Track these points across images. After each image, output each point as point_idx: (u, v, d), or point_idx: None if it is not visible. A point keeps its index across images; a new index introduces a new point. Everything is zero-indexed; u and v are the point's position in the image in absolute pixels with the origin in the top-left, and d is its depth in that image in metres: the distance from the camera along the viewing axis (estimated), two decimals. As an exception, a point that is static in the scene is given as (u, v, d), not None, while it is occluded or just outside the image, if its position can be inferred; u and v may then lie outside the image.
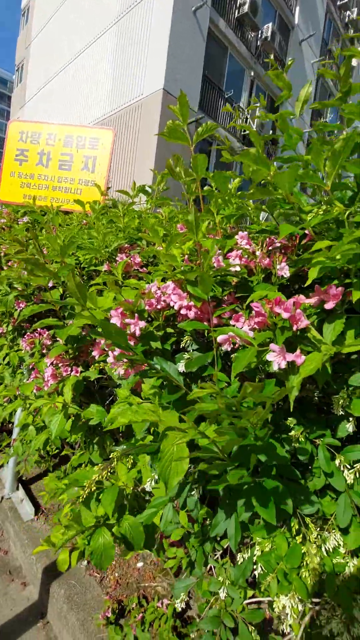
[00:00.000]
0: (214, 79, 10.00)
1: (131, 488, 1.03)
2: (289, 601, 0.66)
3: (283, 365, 0.63)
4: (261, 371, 0.83)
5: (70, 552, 1.05)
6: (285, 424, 0.78)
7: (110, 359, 0.77)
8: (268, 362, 0.67)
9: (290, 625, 0.73)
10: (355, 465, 0.67)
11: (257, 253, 0.89)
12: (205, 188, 1.33)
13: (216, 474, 0.72)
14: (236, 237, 1.03)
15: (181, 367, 0.77)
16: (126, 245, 1.40)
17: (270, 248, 0.92)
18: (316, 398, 0.81)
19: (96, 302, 0.86)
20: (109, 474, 1.05)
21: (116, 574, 1.86)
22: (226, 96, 10.42)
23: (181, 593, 0.92)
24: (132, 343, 0.80)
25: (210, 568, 1.04)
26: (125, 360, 0.72)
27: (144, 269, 1.24)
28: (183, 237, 1.12)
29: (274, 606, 0.69)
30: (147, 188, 2.05)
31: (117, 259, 1.17)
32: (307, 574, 0.64)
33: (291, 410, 0.71)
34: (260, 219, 1.53)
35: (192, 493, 0.81)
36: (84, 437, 1.14)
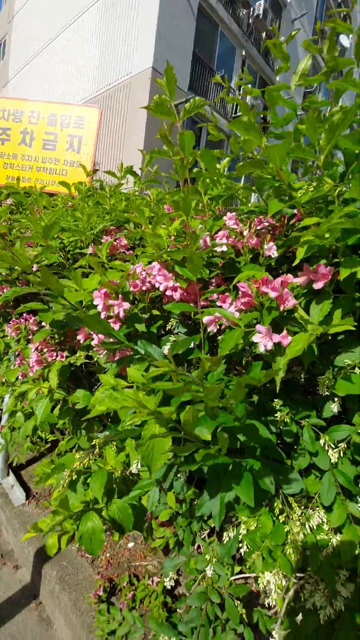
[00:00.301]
0: (205, 58, 9.69)
1: (120, 472, 1.03)
2: (273, 577, 0.67)
3: (269, 346, 0.62)
4: (248, 353, 0.82)
5: (59, 537, 1.05)
6: (272, 406, 0.78)
7: (95, 343, 0.75)
8: (255, 344, 0.66)
9: (274, 599, 0.75)
10: (339, 445, 0.67)
11: (245, 233, 0.87)
12: (195, 170, 1.30)
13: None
14: (224, 218, 1.01)
15: (167, 350, 0.76)
16: (112, 227, 1.36)
17: (258, 228, 0.90)
18: (302, 380, 0.81)
19: (81, 284, 0.84)
20: (97, 458, 1.05)
21: (107, 555, 1.89)
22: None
23: (170, 571, 0.94)
24: (117, 326, 0.79)
25: (198, 546, 1.06)
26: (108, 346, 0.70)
27: (131, 251, 1.21)
28: (170, 217, 1.09)
29: (259, 582, 0.70)
30: (135, 169, 1.99)
31: (102, 241, 1.14)
32: (291, 551, 0.65)
33: (277, 391, 0.71)
34: (250, 201, 1.50)
35: (179, 476, 0.81)
36: (71, 422, 1.13)
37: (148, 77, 8.22)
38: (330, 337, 0.78)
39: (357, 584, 0.66)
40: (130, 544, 1.90)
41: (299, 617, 0.77)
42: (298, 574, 0.78)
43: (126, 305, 0.72)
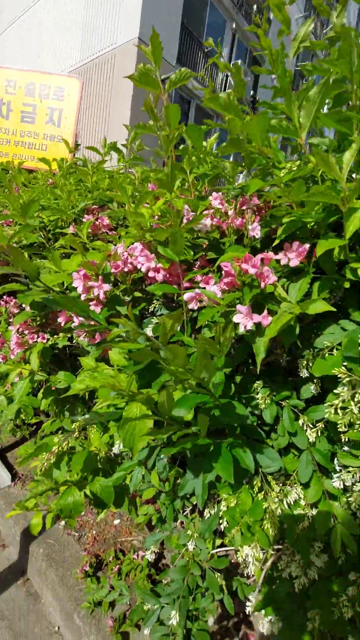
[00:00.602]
0: (194, 30, 9.26)
1: (104, 452, 1.04)
2: (251, 551, 0.69)
3: (249, 326, 0.62)
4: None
5: (44, 516, 1.07)
6: (253, 388, 0.79)
7: (75, 326, 0.73)
8: (236, 325, 0.65)
9: (253, 570, 0.79)
10: (317, 425, 0.69)
11: (230, 213, 0.85)
12: (181, 147, 1.25)
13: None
14: (210, 197, 0.99)
15: (149, 332, 0.75)
16: (95, 206, 1.31)
17: (243, 208, 0.88)
18: (284, 362, 0.82)
19: (60, 265, 0.81)
20: (83, 439, 1.05)
21: (94, 532, 1.93)
22: (206, 50, 9.73)
23: (151, 546, 0.96)
24: (98, 308, 0.77)
25: (182, 522, 1.09)
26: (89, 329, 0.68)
27: (114, 232, 1.17)
28: (154, 196, 1.06)
29: (237, 555, 0.73)
30: (119, 146, 1.92)
31: (84, 220, 1.10)
32: (269, 525, 0.67)
33: (258, 372, 0.72)
34: (237, 181, 1.47)
35: (161, 457, 0.82)
36: (54, 404, 1.12)
37: (134, 49, 7.83)
38: (311, 320, 0.79)
39: (330, 555, 0.69)
40: (116, 521, 1.95)
41: (276, 586, 0.81)
42: (276, 546, 0.82)
43: (106, 287, 0.70)
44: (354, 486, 0.58)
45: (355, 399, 0.53)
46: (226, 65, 0.94)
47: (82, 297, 0.72)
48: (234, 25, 10.37)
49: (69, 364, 1.20)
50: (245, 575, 1.08)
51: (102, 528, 1.95)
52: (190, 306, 0.70)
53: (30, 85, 2.59)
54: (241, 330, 0.62)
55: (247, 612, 0.81)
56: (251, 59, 11.23)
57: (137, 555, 1.71)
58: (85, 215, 1.15)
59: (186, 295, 0.67)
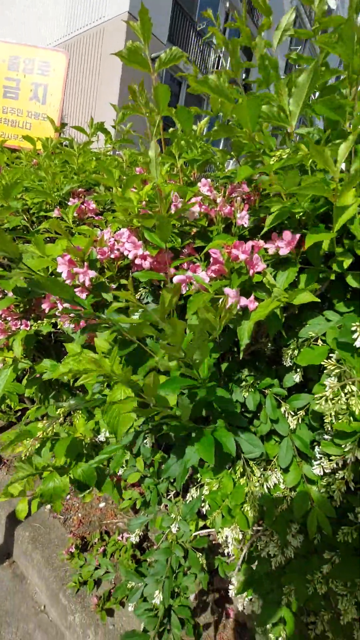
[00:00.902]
0: (186, 7, 8.91)
1: (89, 438, 1.04)
2: (231, 532, 0.72)
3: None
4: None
5: (29, 500, 1.07)
6: (238, 375, 0.80)
7: (59, 312, 0.72)
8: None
9: (232, 550, 0.82)
10: (298, 412, 0.71)
11: (218, 201, 0.85)
12: (170, 130, 1.22)
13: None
14: (198, 184, 0.97)
15: (135, 319, 0.74)
16: (81, 189, 1.28)
17: (232, 196, 0.87)
18: (268, 351, 0.84)
19: (44, 250, 0.79)
20: (68, 425, 1.05)
21: (79, 515, 1.96)
22: (198, 28, 9.41)
23: (136, 529, 0.99)
24: (83, 295, 0.76)
25: (165, 506, 1.11)
26: (73, 314, 0.67)
27: (100, 216, 1.15)
28: (142, 180, 1.03)
29: (218, 536, 0.75)
30: (107, 127, 1.85)
31: (69, 204, 1.07)
32: (249, 508, 0.70)
33: (242, 359, 0.72)
34: (227, 167, 1.45)
35: (146, 442, 0.83)
36: (38, 391, 1.11)
37: (123, 23, 7.49)
38: (297, 310, 0.80)
39: (306, 535, 0.72)
40: (102, 504, 1.98)
41: (255, 564, 0.85)
42: (255, 527, 0.85)
43: (92, 273, 0.69)
44: (336, 474, 0.60)
45: (345, 390, 0.54)
46: (224, 41, 0.91)
47: (67, 283, 0.71)
48: (227, 5, 10.04)
49: (54, 351, 1.19)
50: (226, 554, 1.12)
51: (87, 511, 1.98)
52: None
53: (14, 58, 2.46)
54: (227, 315, 0.62)
55: (229, 592, 0.84)
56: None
57: (122, 537, 1.75)
58: (71, 199, 1.12)
59: (176, 278, 0.67)
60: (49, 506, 1.98)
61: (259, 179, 1.00)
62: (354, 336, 0.55)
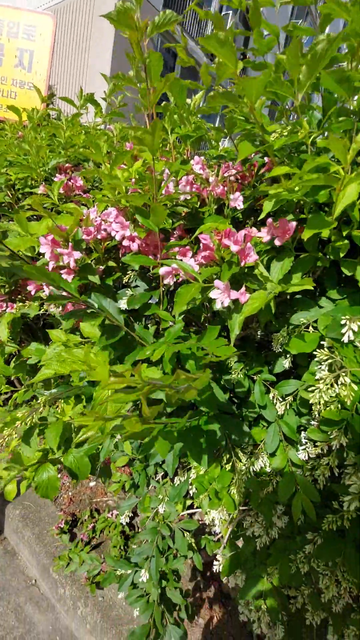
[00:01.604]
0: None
1: (77, 423, 1.04)
2: (218, 514, 0.73)
3: (226, 303, 0.60)
4: (207, 309, 0.81)
5: (18, 483, 1.07)
6: (227, 362, 0.79)
7: (45, 295, 0.69)
8: (213, 300, 0.64)
9: (219, 530, 0.83)
10: (286, 398, 0.71)
11: (211, 180, 0.81)
12: (163, 103, 1.16)
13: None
14: (191, 162, 0.93)
15: (123, 304, 0.72)
16: (68, 165, 1.22)
17: (225, 175, 0.84)
18: (258, 337, 0.83)
19: (27, 228, 0.75)
20: (55, 409, 1.04)
21: (70, 493, 1.99)
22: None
23: (125, 510, 1.00)
24: (69, 277, 0.73)
25: (154, 487, 1.13)
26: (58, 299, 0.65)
27: (88, 194, 1.10)
28: (132, 156, 0.98)
29: (205, 518, 0.77)
30: (97, 99, 1.75)
31: (55, 180, 1.02)
32: (235, 491, 0.71)
33: (237, 353, 0.71)
34: (221, 145, 1.40)
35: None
36: (26, 375, 1.09)
37: (116, -16, 7.03)
38: (288, 296, 0.78)
39: (290, 516, 0.74)
40: (92, 483, 2.01)
41: (240, 543, 0.87)
42: (241, 507, 0.86)
43: (77, 254, 0.66)
44: (321, 459, 0.61)
45: (339, 382, 0.54)
46: (207, 13, 0.85)
47: (51, 265, 0.67)
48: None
49: (41, 333, 1.16)
50: (213, 533, 1.15)
51: (78, 490, 2.01)
52: (166, 281, 0.67)
53: (-4, 18, 2.30)
54: (218, 306, 0.60)
55: (214, 568, 0.87)
56: (241, 17, 10.38)
57: (112, 514, 1.79)
58: (57, 175, 1.06)
59: (162, 270, 0.64)
60: (39, 485, 2.01)
61: (253, 158, 0.97)
62: (343, 330, 0.54)
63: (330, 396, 0.54)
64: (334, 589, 0.65)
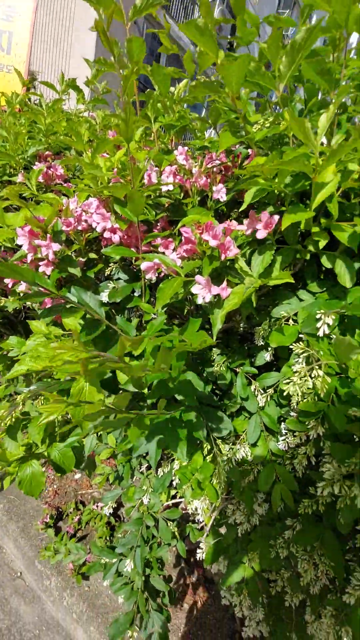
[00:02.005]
0: None
1: (60, 416, 1.03)
2: (200, 504, 0.74)
3: (208, 298, 0.60)
4: (190, 302, 0.81)
5: (1, 477, 1.06)
6: (209, 355, 0.79)
7: (21, 287, 0.68)
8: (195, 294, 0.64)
9: (203, 519, 0.85)
10: (268, 390, 0.72)
11: (194, 171, 0.80)
12: (147, 91, 1.13)
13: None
14: (175, 152, 0.91)
15: (104, 297, 0.71)
16: (48, 152, 1.18)
17: (209, 166, 0.83)
18: (241, 330, 0.83)
19: (3, 219, 0.73)
20: (37, 405, 1.03)
21: (55, 486, 1.99)
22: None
23: (109, 502, 1.01)
24: (48, 269, 0.71)
25: (139, 478, 1.14)
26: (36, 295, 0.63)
27: (69, 184, 1.07)
28: (115, 145, 0.96)
29: (188, 508, 0.78)
30: (79, 84, 1.70)
31: (34, 168, 0.98)
32: (217, 481, 0.72)
33: (214, 343, 0.72)
34: (206, 136, 1.38)
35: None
36: (6, 369, 1.07)
37: None
38: (270, 289, 0.79)
39: (270, 504, 0.76)
40: (77, 476, 2.01)
41: (223, 530, 0.89)
42: (224, 497, 0.88)
43: (56, 246, 0.64)
44: (299, 449, 0.62)
45: (312, 374, 0.55)
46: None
47: (29, 257, 0.66)
48: None
49: (22, 327, 1.14)
50: (196, 521, 1.18)
51: (62, 482, 2.01)
52: (148, 276, 0.66)
53: (-30, -6, 2.18)
54: (199, 301, 0.60)
55: (197, 555, 0.89)
56: (227, 6, 10.18)
57: (97, 506, 1.80)
58: (37, 163, 1.03)
59: (144, 266, 0.63)
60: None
61: (237, 150, 0.96)
62: (318, 325, 0.55)
63: (308, 388, 0.55)
64: (312, 572, 0.68)
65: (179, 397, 0.61)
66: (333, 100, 0.69)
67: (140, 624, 0.90)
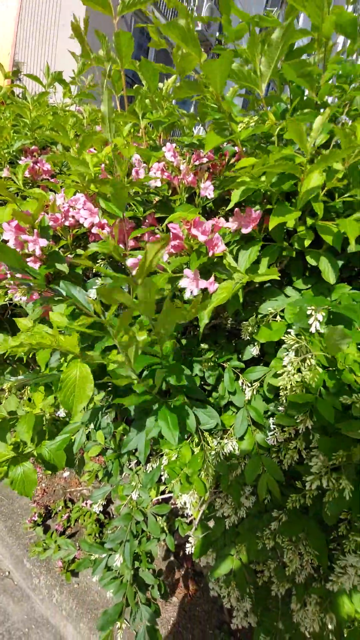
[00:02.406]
0: None
1: (49, 414, 1.02)
2: (189, 497, 0.75)
3: (195, 292, 0.61)
4: (179, 298, 0.82)
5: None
6: (198, 350, 0.80)
7: (8, 284, 0.67)
8: (183, 289, 0.64)
9: (191, 512, 0.86)
10: (254, 384, 0.73)
11: (182, 168, 0.80)
12: (135, 86, 1.13)
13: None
14: (163, 148, 0.91)
15: (92, 293, 0.71)
16: (34, 147, 1.16)
17: (196, 163, 0.83)
18: (228, 326, 0.84)
19: (-10, 214, 0.72)
20: (25, 402, 1.02)
21: (43, 485, 1.97)
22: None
23: (98, 499, 1.01)
24: (36, 265, 0.71)
25: (128, 475, 1.14)
26: (23, 285, 0.63)
27: (56, 179, 1.06)
28: (102, 141, 0.95)
29: (177, 502, 0.79)
30: (66, 78, 1.67)
31: (20, 162, 0.97)
32: (205, 475, 0.73)
33: (200, 338, 0.73)
34: (194, 132, 1.38)
35: (107, 417, 0.83)
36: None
37: None
38: (257, 285, 0.80)
39: (258, 496, 0.77)
40: (66, 474, 2.00)
41: (211, 524, 0.91)
42: (212, 490, 0.90)
43: (43, 242, 0.64)
44: (289, 443, 0.63)
45: (306, 364, 0.56)
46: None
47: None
48: None
49: (9, 325, 1.12)
50: (185, 515, 1.19)
51: (51, 481, 2.00)
52: (134, 272, 0.66)
53: None
54: (187, 295, 0.61)
55: (186, 548, 0.90)
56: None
57: (87, 503, 1.80)
58: (23, 157, 1.01)
59: (129, 262, 0.64)
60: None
61: (225, 147, 0.96)
62: (310, 321, 0.56)
63: (296, 381, 0.56)
64: (297, 562, 0.70)
65: (170, 379, 0.62)
66: (315, 100, 0.70)
67: (130, 617, 0.91)
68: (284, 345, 0.62)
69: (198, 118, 0.95)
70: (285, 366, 0.59)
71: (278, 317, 0.70)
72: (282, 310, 0.69)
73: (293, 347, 0.61)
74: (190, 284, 0.61)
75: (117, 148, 0.86)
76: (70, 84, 1.51)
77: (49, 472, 1.15)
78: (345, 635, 0.74)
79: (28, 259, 0.71)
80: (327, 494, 0.58)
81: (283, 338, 0.62)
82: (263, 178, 0.64)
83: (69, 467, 0.96)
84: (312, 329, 0.57)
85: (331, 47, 0.72)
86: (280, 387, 0.60)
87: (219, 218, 0.63)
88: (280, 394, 0.61)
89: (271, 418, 0.72)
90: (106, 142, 0.97)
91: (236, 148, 0.88)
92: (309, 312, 0.59)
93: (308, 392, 0.59)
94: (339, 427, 0.55)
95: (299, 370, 0.58)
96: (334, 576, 0.66)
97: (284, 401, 0.62)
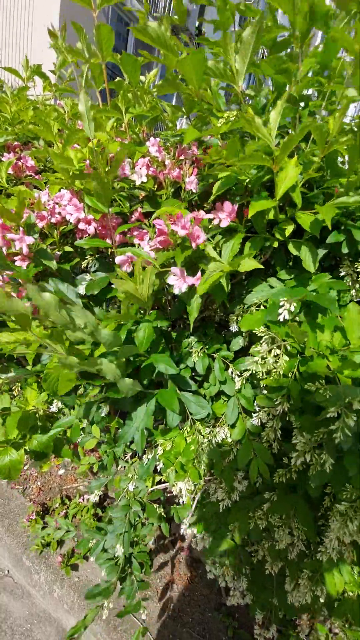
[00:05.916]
0: None
1: (42, 410, 1.03)
2: (184, 485, 0.78)
3: (184, 289, 0.63)
4: (166, 292, 0.83)
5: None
6: (188, 342, 0.82)
7: (-3, 281, 0.67)
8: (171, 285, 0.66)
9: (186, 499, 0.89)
10: (243, 373, 0.75)
11: (167, 163, 0.81)
12: (117, 79, 1.12)
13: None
14: (147, 143, 0.92)
15: (82, 289, 0.72)
16: (17, 143, 1.15)
17: (181, 158, 0.84)
18: (217, 317, 0.86)
19: (-26, 213, 0.71)
20: (19, 399, 1.03)
21: (39, 483, 1.98)
22: None
23: (96, 490, 1.03)
24: (24, 264, 0.71)
25: (123, 467, 1.16)
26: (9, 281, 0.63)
27: (40, 176, 1.05)
28: (86, 138, 0.95)
29: (172, 490, 0.81)
30: (46, 71, 1.64)
31: (3, 159, 0.96)
32: (199, 462, 0.75)
33: (191, 330, 0.75)
34: (179, 126, 1.38)
35: (101, 410, 0.84)
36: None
37: None
38: (243, 277, 0.82)
39: (250, 480, 0.81)
40: (61, 471, 2.01)
41: (205, 507, 0.94)
42: (206, 477, 0.92)
43: (29, 239, 0.64)
44: (268, 423, 0.66)
45: (272, 353, 0.59)
46: None
47: (3, 251, 0.65)
48: None
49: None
50: (181, 502, 1.22)
51: (47, 479, 2.00)
52: (123, 269, 0.68)
53: None
54: (175, 292, 0.62)
55: (182, 534, 0.93)
56: None
57: (83, 499, 1.82)
58: (5, 154, 1.00)
59: (118, 259, 0.65)
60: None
61: (208, 141, 0.97)
62: (280, 311, 0.59)
63: (271, 367, 0.59)
64: (287, 538, 0.73)
65: (157, 365, 0.64)
66: (294, 95, 0.72)
67: (121, 593, 0.94)
68: (258, 334, 0.65)
69: (183, 109, 0.95)
70: (258, 353, 0.62)
71: (262, 307, 0.73)
72: (266, 301, 0.72)
73: (265, 339, 0.64)
74: (177, 281, 0.62)
75: (99, 145, 0.86)
76: (52, 73, 1.49)
77: (39, 462, 1.16)
78: (335, 607, 0.79)
79: (16, 258, 0.71)
80: (311, 468, 0.61)
81: (255, 330, 0.65)
82: (241, 171, 0.66)
83: (58, 456, 0.97)
84: (281, 318, 0.60)
85: (309, 41, 0.74)
86: (254, 372, 0.63)
87: (199, 211, 0.65)
88: (258, 377, 0.64)
89: (255, 401, 0.75)
90: (89, 139, 0.97)
91: (220, 143, 0.89)
92: (281, 303, 0.61)
93: (284, 376, 0.62)
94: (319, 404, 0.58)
95: (277, 357, 0.61)
96: (322, 547, 0.69)
97: (265, 385, 0.65)
